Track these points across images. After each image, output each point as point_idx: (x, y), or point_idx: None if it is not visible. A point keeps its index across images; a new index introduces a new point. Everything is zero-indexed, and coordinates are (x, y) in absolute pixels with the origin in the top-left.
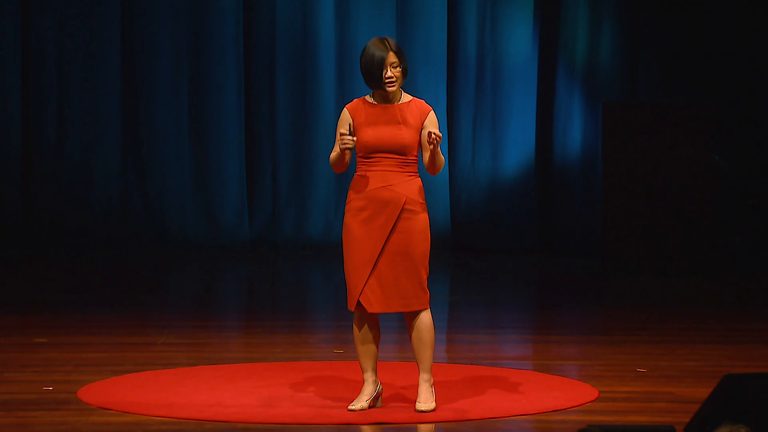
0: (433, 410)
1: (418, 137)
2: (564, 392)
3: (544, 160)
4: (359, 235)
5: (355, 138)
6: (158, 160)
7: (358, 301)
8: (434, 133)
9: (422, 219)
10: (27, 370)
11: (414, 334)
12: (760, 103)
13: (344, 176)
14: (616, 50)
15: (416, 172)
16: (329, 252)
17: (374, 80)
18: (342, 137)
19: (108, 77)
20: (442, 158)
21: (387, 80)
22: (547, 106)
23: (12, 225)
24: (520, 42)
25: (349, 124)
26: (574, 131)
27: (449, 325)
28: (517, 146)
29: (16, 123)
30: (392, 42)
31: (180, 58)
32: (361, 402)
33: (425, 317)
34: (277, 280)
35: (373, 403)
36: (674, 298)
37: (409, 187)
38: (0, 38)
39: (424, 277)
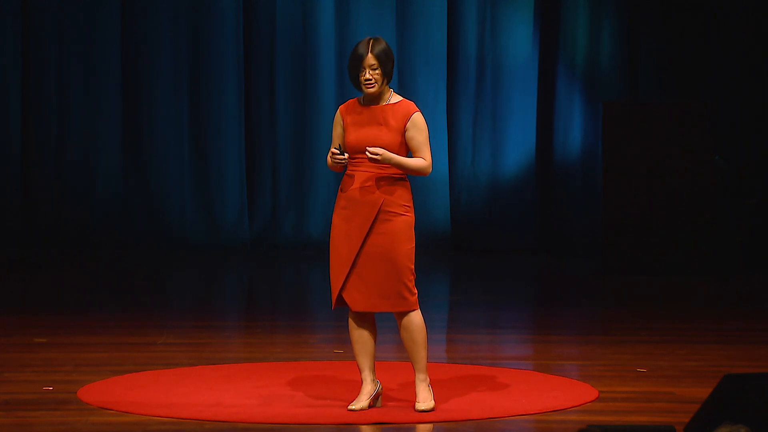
0: (433, 409)
1: (401, 139)
2: (564, 392)
3: (544, 160)
4: (340, 233)
5: (347, 156)
6: (158, 161)
7: (343, 299)
8: (369, 151)
9: (403, 221)
10: (27, 370)
11: (405, 335)
12: (759, 103)
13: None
14: (616, 50)
15: (402, 174)
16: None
17: (353, 81)
18: (333, 157)
19: (108, 77)
20: (411, 165)
21: (365, 82)
22: (547, 106)
23: (12, 225)
24: (520, 42)
25: (340, 145)
26: (574, 131)
27: (449, 325)
28: (517, 146)
29: (16, 123)
30: (379, 43)
31: (180, 58)
32: (361, 402)
33: (415, 318)
34: (277, 280)
35: (373, 402)
36: (674, 298)
37: (389, 189)
38: (0, 38)
39: (410, 278)
